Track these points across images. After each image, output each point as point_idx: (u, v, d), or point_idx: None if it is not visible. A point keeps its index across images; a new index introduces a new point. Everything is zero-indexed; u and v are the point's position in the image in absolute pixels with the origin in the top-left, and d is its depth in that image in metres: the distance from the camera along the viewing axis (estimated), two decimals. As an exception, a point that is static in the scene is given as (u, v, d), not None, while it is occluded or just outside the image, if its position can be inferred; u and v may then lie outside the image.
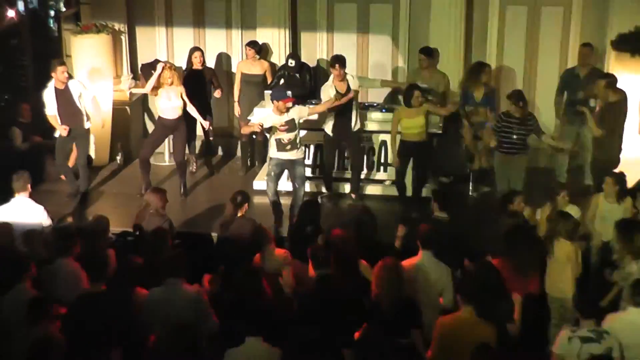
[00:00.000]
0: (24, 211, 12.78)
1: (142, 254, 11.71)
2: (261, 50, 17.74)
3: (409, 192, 15.97)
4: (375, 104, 17.19)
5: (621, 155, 15.45)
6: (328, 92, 15.54)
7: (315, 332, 9.09)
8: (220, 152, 19.05)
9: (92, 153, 17.62)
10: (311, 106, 15.34)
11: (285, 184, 15.72)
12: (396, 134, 15.46)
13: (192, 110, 16.22)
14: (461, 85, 16.94)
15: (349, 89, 15.53)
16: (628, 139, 15.87)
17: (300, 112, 14.79)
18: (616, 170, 14.03)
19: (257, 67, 17.53)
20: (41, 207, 12.99)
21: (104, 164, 18.08)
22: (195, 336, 9.25)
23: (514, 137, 14.71)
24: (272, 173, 15.08)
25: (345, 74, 15.62)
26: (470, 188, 16.64)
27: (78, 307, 10.14)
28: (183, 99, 16.13)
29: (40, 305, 9.79)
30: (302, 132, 15.49)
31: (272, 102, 14.79)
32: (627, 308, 9.86)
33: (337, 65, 15.49)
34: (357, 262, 11.24)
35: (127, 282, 10.70)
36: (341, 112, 15.58)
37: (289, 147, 14.77)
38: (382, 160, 16.72)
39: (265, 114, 15.18)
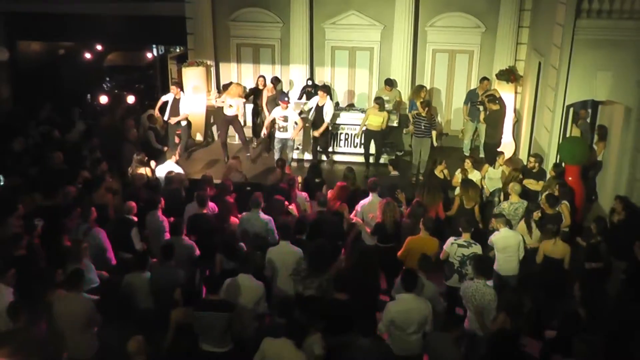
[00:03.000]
0: (171, 168, 13.19)
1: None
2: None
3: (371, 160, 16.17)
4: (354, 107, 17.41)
5: (502, 141, 15.87)
6: (313, 102, 15.91)
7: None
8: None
9: (198, 137, 18.07)
10: (299, 120, 15.37)
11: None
12: (364, 124, 15.68)
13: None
14: (409, 98, 17.09)
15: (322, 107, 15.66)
16: (506, 131, 16.31)
17: (293, 117, 15.21)
18: (499, 150, 14.62)
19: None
20: (180, 168, 13.53)
21: (199, 142, 18.23)
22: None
23: (422, 127, 14.99)
24: (277, 147, 15.47)
25: (326, 96, 15.73)
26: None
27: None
28: (239, 107, 16.28)
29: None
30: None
31: (280, 102, 15.34)
32: (500, 229, 10.41)
33: (320, 91, 15.83)
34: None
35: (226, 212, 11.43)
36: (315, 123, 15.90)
37: (282, 129, 15.23)
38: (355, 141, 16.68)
39: (276, 110, 15.42)
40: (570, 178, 12.81)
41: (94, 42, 23.28)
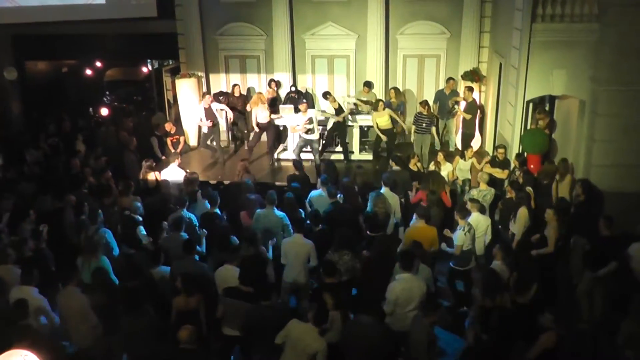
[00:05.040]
0: (175, 171, 13.21)
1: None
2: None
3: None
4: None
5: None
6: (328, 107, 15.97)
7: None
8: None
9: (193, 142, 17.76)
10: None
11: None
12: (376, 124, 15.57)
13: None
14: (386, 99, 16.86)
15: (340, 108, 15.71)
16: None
17: (313, 114, 15.02)
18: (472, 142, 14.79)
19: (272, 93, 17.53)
20: (182, 171, 13.34)
21: (194, 147, 17.99)
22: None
23: (424, 125, 15.18)
24: (298, 145, 15.23)
25: (334, 100, 15.75)
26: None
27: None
28: (270, 113, 16.02)
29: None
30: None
31: (300, 106, 15.08)
32: (472, 212, 10.40)
33: (328, 96, 15.83)
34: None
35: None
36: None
37: (309, 132, 14.99)
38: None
39: (293, 117, 15.28)
40: (532, 166, 12.98)
41: (94, 59, 23.11)
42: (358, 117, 16.33)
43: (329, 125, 16.00)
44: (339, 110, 15.80)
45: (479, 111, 16.19)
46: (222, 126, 17.29)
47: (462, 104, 15.95)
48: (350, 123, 16.29)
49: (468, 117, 15.62)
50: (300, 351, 7.19)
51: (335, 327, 7.61)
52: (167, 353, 7.17)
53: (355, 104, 16.79)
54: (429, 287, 8.52)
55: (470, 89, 15.72)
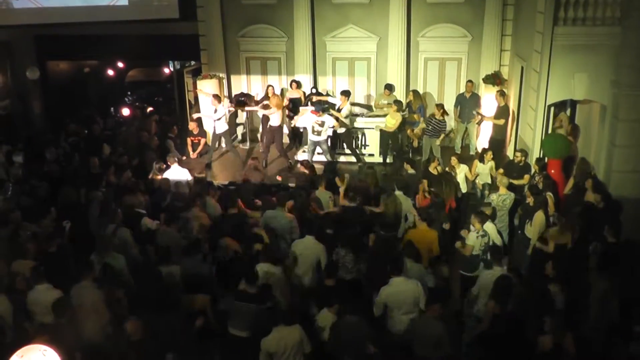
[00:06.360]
0: (178, 172, 13.47)
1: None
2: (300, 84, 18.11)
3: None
4: (361, 114, 17.21)
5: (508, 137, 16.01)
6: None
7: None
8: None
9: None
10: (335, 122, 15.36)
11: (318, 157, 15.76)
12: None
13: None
14: (405, 101, 17.06)
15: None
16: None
17: (329, 122, 15.12)
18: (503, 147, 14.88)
19: (296, 93, 18.01)
20: (186, 170, 13.68)
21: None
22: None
23: (429, 127, 15.27)
24: (309, 148, 15.43)
25: (347, 100, 15.80)
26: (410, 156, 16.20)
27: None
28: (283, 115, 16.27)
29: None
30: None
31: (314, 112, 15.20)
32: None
33: (342, 96, 15.91)
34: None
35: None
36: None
37: (316, 133, 15.13)
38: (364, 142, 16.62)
39: (307, 117, 15.43)
40: (552, 171, 12.90)
41: (116, 60, 23.46)
42: (377, 120, 16.43)
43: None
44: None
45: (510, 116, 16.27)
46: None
47: (486, 112, 15.96)
48: (356, 125, 16.34)
49: (501, 122, 15.53)
50: (292, 355, 7.48)
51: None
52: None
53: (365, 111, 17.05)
54: (426, 283, 8.75)
55: (502, 93, 15.61)
